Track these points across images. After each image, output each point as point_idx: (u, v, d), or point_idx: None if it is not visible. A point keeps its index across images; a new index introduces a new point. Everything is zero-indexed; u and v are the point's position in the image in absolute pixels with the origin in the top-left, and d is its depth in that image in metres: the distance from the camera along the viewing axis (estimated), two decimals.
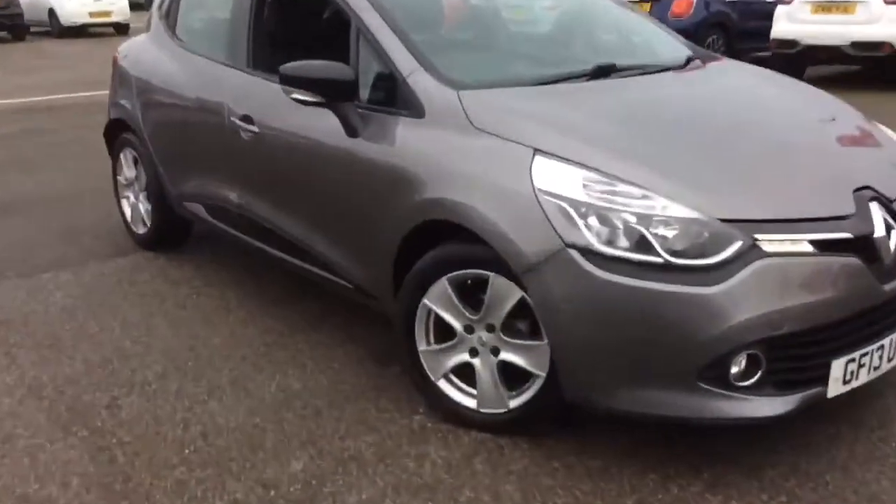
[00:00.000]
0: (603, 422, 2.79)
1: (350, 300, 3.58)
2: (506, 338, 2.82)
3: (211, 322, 3.92)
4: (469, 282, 2.87)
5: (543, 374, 2.77)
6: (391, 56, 3.16)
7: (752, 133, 2.97)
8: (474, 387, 2.95)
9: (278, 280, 4.33)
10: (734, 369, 2.49)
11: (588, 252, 2.51)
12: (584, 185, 2.57)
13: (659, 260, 2.45)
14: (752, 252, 2.45)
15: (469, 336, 2.90)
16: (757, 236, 2.46)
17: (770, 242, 2.46)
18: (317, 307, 4.01)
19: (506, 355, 2.84)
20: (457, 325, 2.90)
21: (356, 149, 3.19)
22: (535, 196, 2.60)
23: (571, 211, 2.54)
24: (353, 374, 3.38)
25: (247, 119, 3.75)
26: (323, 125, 3.31)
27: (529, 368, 2.80)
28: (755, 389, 2.52)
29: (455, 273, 2.85)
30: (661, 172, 2.61)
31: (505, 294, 2.76)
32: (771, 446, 2.80)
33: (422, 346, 3.00)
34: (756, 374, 2.51)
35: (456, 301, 2.87)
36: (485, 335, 2.87)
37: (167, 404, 3.21)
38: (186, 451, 2.90)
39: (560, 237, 2.54)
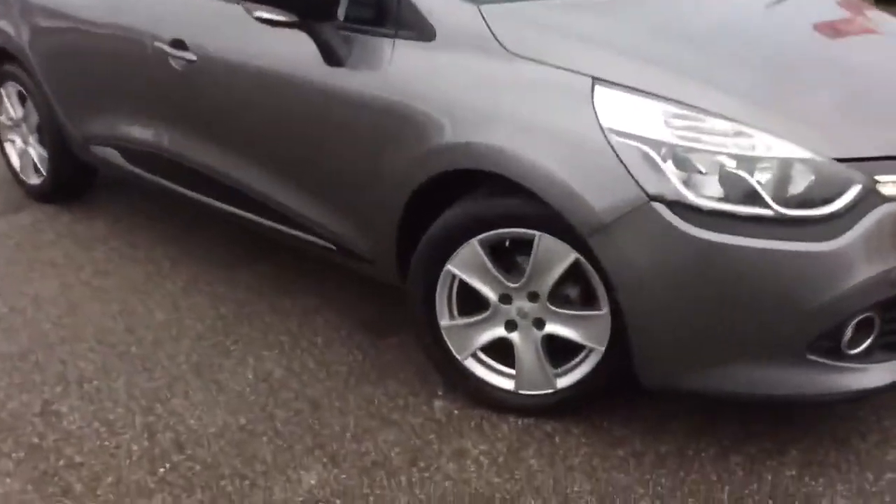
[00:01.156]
0: (642, 391, 2.37)
1: (326, 261, 3.00)
2: (554, 308, 2.34)
3: (145, 292, 3.26)
4: (507, 243, 2.36)
5: (602, 349, 2.32)
6: None
7: (849, 59, 2.54)
8: (509, 365, 2.48)
9: (220, 237, 3.68)
10: (846, 336, 2.11)
11: (678, 205, 2.04)
12: (667, 122, 2.08)
13: (767, 212, 2.01)
14: (872, 197, 2.05)
15: (505, 307, 2.41)
16: (878, 178, 2.05)
17: (893, 185, 2.06)
18: (272, 268, 3.41)
19: (553, 328, 2.37)
20: (491, 294, 2.40)
21: (340, 82, 2.57)
22: (606, 138, 2.10)
23: (655, 155, 2.06)
24: (344, 351, 2.84)
25: (178, 45, 3.04)
26: (291, 51, 2.67)
27: (583, 342, 2.35)
28: (865, 357, 2.16)
29: (489, 233, 2.33)
30: (755, 103, 2.14)
31: (555, 256, 2.27)
32: (849, 412, 2.47)
33: (444, 321, 2.49)
34: (867, 339, 2.14)
35: (490, 266, 2.36)
36: (526, 305, 2.38)
37: (118, 406, 2.58)
38: (161, 469, 2.31)
39: (642, 188, 2.06)
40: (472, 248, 2.36)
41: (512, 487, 2.22)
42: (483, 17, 2.37)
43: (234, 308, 3.13)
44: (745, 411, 2.45)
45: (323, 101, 2.63)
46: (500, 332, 2.44)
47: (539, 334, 2.39)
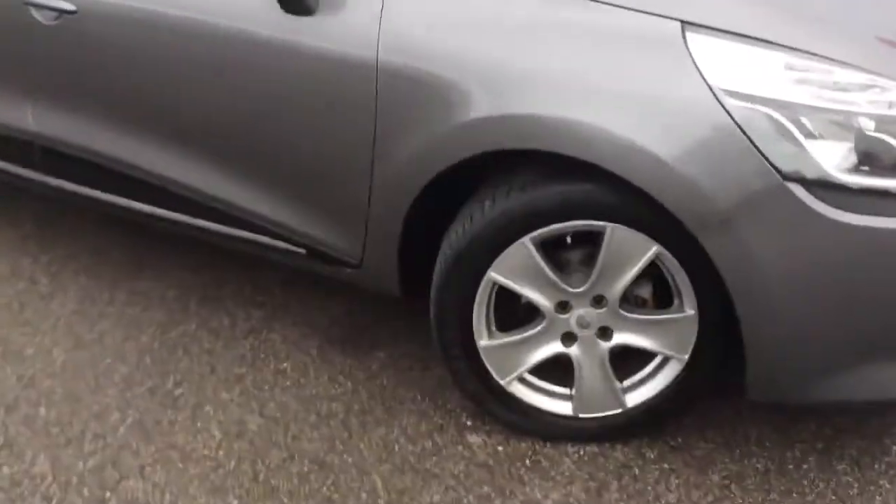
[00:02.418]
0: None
1: (264, 263, 2.39)
2: (627, 313, 1.89)
3: (27, 322, 2.49)
4: (568, 239, 1.87)
5: (685, 357, 1.89)
6: None
7: None
8: (563, 384, 2.01)
9: (101, 234, 2.91)
10: None
11: (819, 185, 1.62)
12: (792, 78, 1.64)
13: None
14: None
15: (562, 317, 1.92)
16: None
17: None
18: (186, 272, 2.72)
19: (623, 337, 1.93)
20: (546, 303, 1.90)
21: (307, 37, 1.94)
22: (718, 101, 1.62)
23: (785, 121, 1.61)
24: (326, 379, 2.27)
25: None
26: None
27: (661, 351, 1.92)
28: None
29: (544, 229, 1.82)
30: (876, 49, 1.74)
31: (631, 251, 1.81)
32: None
33: (484, 341, 1.97)
34: None
35: (546, 269, 1.86)
36: (590, 313, 1.90)
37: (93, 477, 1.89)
38: None
39: (773, 165, 1.61)
40: (523, 249, 1.84)
41: None
42: None
43: (157, 333, 2.44)
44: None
45: (279, 65, 2.00)
46: (556, 347, 1.96)
47: (605, 346, 1.93)
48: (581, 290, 1.87)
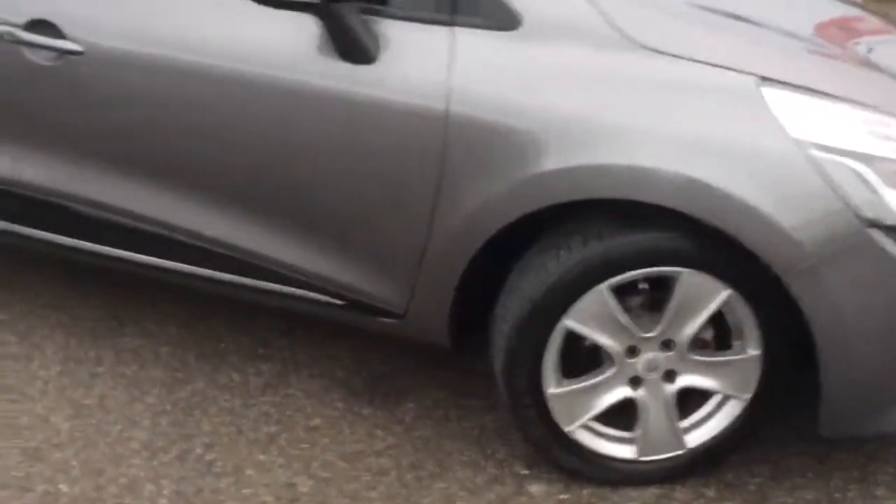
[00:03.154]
0: None
1: (311, 317, 2.29)
2: (695, 356, 1.93)
3: (13, 388, 2.27)
4: (644, 285, 1.89)
5: (748, 396, 1.96)
6: None
7: None
8: (622, 428, 2.03)
9: (82, 288, 2.69)
10: None
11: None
12: (868, 131, 1.74)
13: None
14: None
15: (630, 361, 1.94)
16: None
17: None
18: (180, 325, 2.56)
19: (688, 379, 1.97)
20: (617, 347, 1.92)
21: (365, 87, 1.89)
22: (803, 153, 1.70)
23: (866, 171, 1.70)
24: (364, 433, 2.19)
25: (42, 28, 2.08)
26: (269, 39, 1.95)
27: (724, 391, 1.97)
28: None
29: (621, 276, 1.84)
30: None
31: (702, 295, 1.85)
32: None
33: (553, 389, 1.95)
34: None
35: (621, 315, 1.87)
36: (658, 356, 1.93)
37: None
38: None
39: (856, 213, 1.70)
40: (599, 296, 1.85)
41: None
42: (595, 7, 1.83)
43: (163, 394, 2.27)
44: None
45: (330, 113, 1.93)
46: (624, 391, 1.97)
47: (671, 388, 1.96)
48: (653, 334, 1.90)
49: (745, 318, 1.88)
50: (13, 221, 2.34)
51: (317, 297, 2.15)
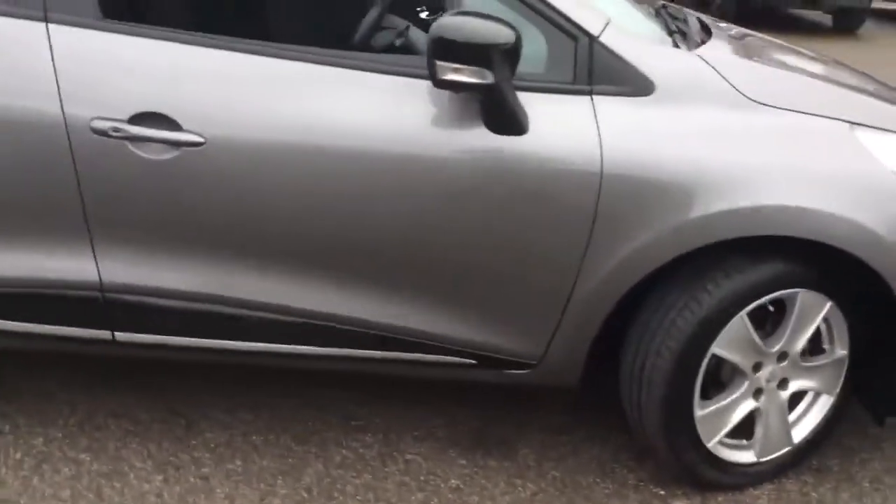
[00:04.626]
0: None
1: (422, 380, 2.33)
2: (804, 363, 2.25)
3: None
4: (771, 307, 2.17)
5: (836, 392, 2.31)
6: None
7: None
8: (740, 436, 2.29)
9: (114, 385, 2.50)
10: None
11: None
12: None
13: None
14: None
15: (755, 376, 2.22)
16: None
17: None
18: (236, 405, 2.48)
19: (798, 384, 2.28)
20: (748, 365, 2.18)
21: (519, 158, 2.00)
22: None
23: None
24: (509, 476, 2.27)
25: (152, 121, 1.98)
26: (412, 116, 2.01)
27: (822, 390, 2.31)
28: None
29: (756, 302, 2.11)
30: None
31: (813, 310, 2.17)
32: None
33: (699, 411, 2.18)
34: None
35: (755, 337, 2.15)
36: (776, 368, 2.23)
37: None
38: None
39: None
40: (740, 322, 2.11)
41: None
42: (712, 66, 2.09)
43: (289, 483, 2.21)
44: None
45: (480, 185, 2.02)
46: (751, 404, 2.24)
47: (785, 394, 2.27)
48: (776, 349, 2.18)
49: (837, 325, 2.22)
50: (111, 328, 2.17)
51: (448, 360, 2.21)
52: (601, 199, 2.01)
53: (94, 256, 2.11)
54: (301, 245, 2.08)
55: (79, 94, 1.98)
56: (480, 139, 1.99)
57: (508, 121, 1.97)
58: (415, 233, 2.05)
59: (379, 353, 2.20)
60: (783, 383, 2.25)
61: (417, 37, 2.63)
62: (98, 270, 2.11)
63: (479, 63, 1.85)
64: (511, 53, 1.89)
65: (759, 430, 2.27)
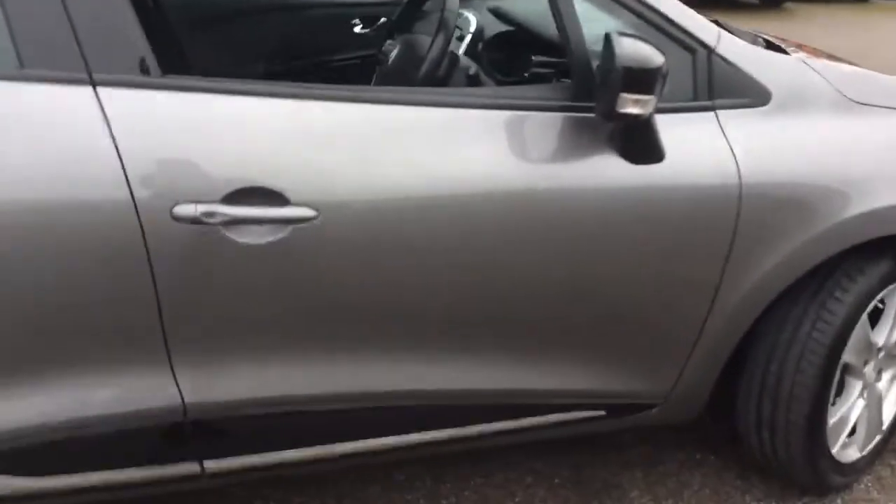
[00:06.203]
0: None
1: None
2: (893, 352, 2.28)
3: None
4: (882, 304, 2.16)
5: None
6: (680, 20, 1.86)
7: None
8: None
9: None
10: None
11: None
12: None
13: None
14: None
15: (865, 373, 2.21)
16: None
17: None
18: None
19: (889, 373, 2.32)
20: (860, 365, 2.17)
21: (658, 186, 1.82)
22: None
23: None
24: None
25: (262, 197, 1.58)
26: (529, 159, 1.77)
27: None
28: None
29: (873, 302, 2.09)
30: None
31: None
32: None
33: (831, 419, 2.13)
34: None
35: (871, 335, 2.14)
36: (876, 362, 2.23)
37: None
38: None
39: None
40: (862, 325, 2.08)
41: None
42: (818, 72, 2.02)
43: None
44: None
45: (627, 216, 1.83)
46: (861, 402, 2.23)
47: (880, 385, 2.28)
48: (881, 343, 2.18)
49: None
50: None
51: (581, 416, 2.00)
52: (741, 216, 1.87)
53: (174, 374, 1.66)
54: (455, 314, 1.77)
55: (151, 176, 1.53)
56: (623, 170, 1.79)
57: (652, 149, 1.78)
58: (569, 281, 1.81)
59: (512, 423, 1.94)
60: (878, 374, 2.26)
61: (468, 64, 2.33)
62: (179, 390, 1.66)
63: (652, 90, 1.65)
64: (665, 77, 1.70)
65: (861, 425, 2.27)
